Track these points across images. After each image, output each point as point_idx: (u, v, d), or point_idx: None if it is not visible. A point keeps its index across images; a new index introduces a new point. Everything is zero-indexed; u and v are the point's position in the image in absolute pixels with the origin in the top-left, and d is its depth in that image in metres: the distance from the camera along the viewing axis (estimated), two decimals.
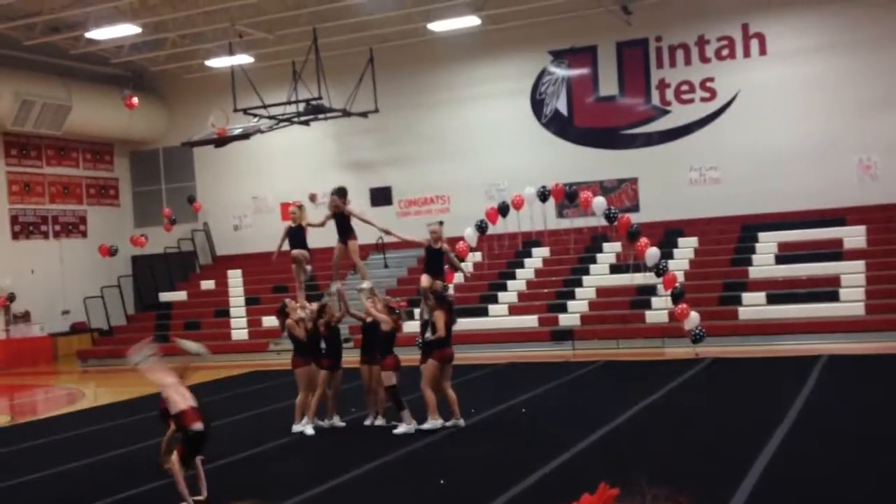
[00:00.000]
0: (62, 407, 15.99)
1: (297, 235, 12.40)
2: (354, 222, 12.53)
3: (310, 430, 11.32)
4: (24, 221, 25.70)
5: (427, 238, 12.00)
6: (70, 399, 17.24)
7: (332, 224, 12.51)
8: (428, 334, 11.10)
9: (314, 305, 11.94)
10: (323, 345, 11.57)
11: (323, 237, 12.76)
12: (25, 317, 24.93)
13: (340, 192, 12.29)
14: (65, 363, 24.50)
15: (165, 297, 26.30)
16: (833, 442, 9.21)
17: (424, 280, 11.83)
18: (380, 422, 11.46)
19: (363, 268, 12.30)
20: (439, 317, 10.99)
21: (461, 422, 11.20)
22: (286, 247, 12.65)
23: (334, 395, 11.65)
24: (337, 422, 11.62)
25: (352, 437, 11.14)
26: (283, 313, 11.63)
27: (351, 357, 12.12)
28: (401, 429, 10.97)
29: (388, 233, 12.50)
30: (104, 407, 15.96)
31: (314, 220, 12.92)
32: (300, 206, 12.66)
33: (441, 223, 12.26)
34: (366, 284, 11.92)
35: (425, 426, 10.92)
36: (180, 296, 26.20)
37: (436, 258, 11.94)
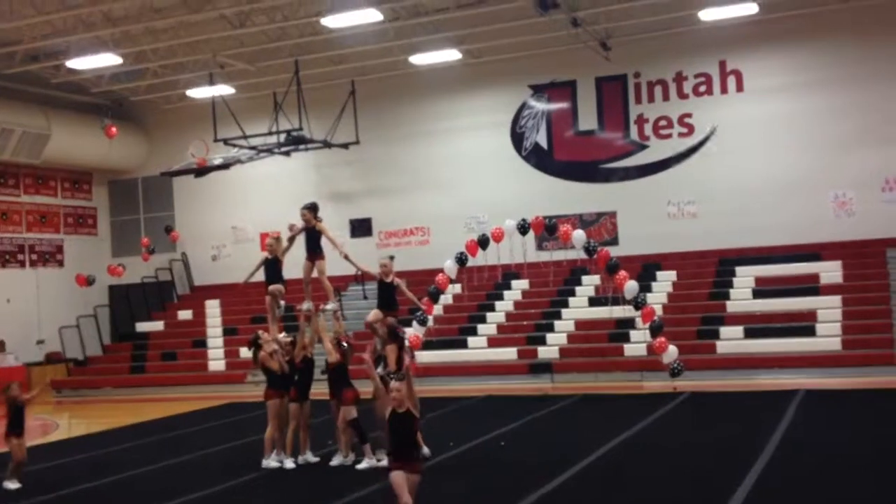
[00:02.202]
0: (35, 438, 15.74)
1: (272, 267, 12.31)
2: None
3: (289, 464, 11.18)
4: (0, 250, 25.49)
5: (378, 272, 12.00)
6: (44, 430, 17.02)
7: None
8: (379, 369, 11.03)
9: (288, 338, 11.84)
10: (296, 376, 11.47)
11: (300, 269, 12.67)
12: (0, 346, 24.66)
13: (312, 208, 12.30)
14: (39, 393, 24.13)
15: (142, 327, 26.11)
16: (811, 476, 9.22)
17: (371, 315, 11.77)
18: (349, 460, 11.16)
19: (329, 289, 12.25)
20: (391, 351, 10.96)
21: (425, 450, 11.11)
22: (260, 276, 12.53)
23: (304, 429, 11.47)
24: (310, 457, 11.46)
25: (327, 471, 11.02)
26: (255, 345, 11.53)
27: (317, 389, 11.96)
28: (363, 464, 10.83)
29: (346, 257, 12.46)
30: (78, 438, 15.76)
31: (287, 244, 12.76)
32: (277, 238, 12.58)
33: (392, 258, 12.23)
34: (330, 306, 11.90)
35: (384, 462, 10.76)
36: (157, 326, 26.00)
37: (387, 292, 11.92)
